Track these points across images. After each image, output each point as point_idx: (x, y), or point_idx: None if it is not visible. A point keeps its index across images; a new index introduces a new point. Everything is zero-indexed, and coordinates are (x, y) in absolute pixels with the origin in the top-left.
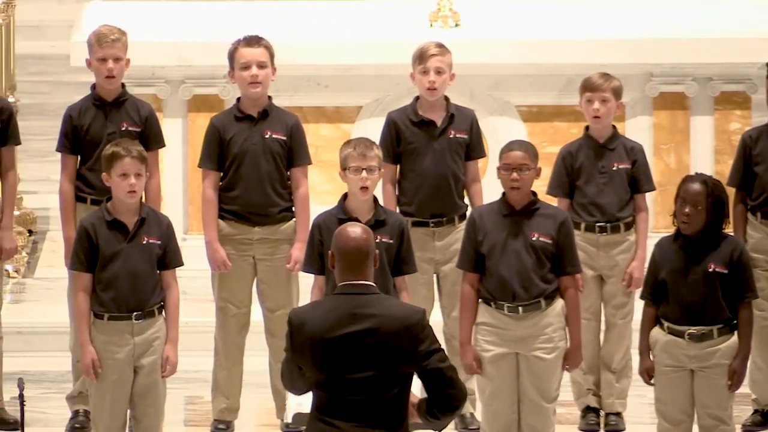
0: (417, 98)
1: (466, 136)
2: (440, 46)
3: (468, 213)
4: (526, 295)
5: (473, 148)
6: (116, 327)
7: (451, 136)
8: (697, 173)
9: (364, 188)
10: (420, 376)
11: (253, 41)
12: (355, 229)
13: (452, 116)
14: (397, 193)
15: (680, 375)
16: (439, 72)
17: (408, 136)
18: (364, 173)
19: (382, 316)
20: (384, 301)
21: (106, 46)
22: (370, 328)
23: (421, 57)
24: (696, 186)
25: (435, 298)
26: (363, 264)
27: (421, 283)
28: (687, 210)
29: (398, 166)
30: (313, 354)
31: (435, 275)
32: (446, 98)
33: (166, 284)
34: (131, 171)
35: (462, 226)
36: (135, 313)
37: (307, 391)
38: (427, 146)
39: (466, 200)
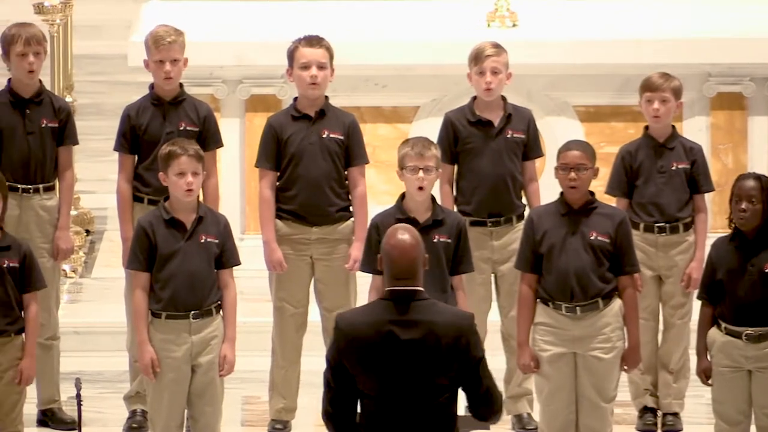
0: (474, 98)
1: (523, 136)
2: (496, 46)
3: (526, 213)
4: (584, 294)
5: (530, 148)
6: (174, 326)
7: (508, 136)
8: (751, 172)
9: (421, 188)
10: (461, 386)
11: (314, 41)
12: (403, 235)
13: (509, 116)
14: (454, 193)
15: (738, 375)
16: (495, 72)
17: (465, 136)
18: (421, 173)
19: (431, 322)
20: (433, 306)
21: (163, 48)
22: (421, 335)
23: (477, 57)
24: (750, 182)
25: (492, 297)
26: (412, 269)
27: (478, 282)
28: (743, 206)
29: (455, 166)
30: (364, 360)
31: (492, 275)
32: (503, 98)
33: (223, 283)
34: (188, 169)
35: (520, 226)
36: (192, 312)
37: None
38: (484, 146)
39: (524, 200)
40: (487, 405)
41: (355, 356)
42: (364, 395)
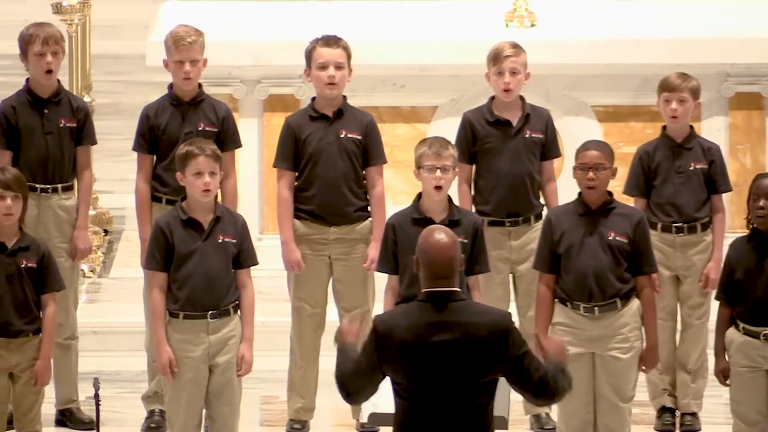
0: (492, 98)
1: (541, 136)
2: (515, 46)
3: (544, 213)
4: (602, 294)
5: (549, 148)
6: (191, 326)
7: (526, 135)
8: None
9: (438, 187)
10: (509, 381)
11: (331, 41)
12: (440, 236)
13: (528, 116)
14: (472, 192)
15: (756, 375)
16: (514, 73)
17: (483, 136)
18: (438, 172)
19: (469, 323)
20: (471, 307)
21: (183, 48)
22: (459, 336)
23: (495, 58)
24: None
25: (511, 297)
26: (449, 269)
27: (496, 282)
28: (761, 203)
29: (474, 166)
30: (403, 362)
31: (511, 275)
32: (522, 98)
33: (241, 283)
34: (205, 169)
35: (538, 226)
36: (210, 312)
37: (366, 400)
38: (502, 146)
39: (542, 200)
40: (545, 393)
41: (393, 358)
42: (400, 396)
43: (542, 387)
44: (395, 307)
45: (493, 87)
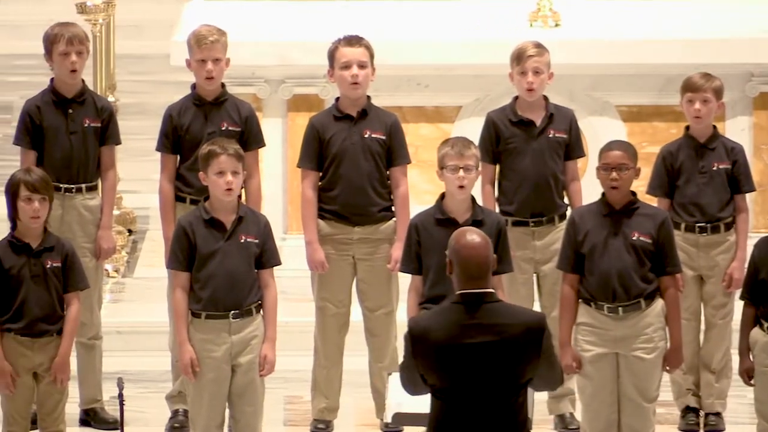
0: (516, 98)
1: (565, 136)
2: (538, 45)
3: (568, 213)
4: (626, 295)
5: (572, 148)
6: (213, 325)
7: (550, 135)
8: None
9: (461, 187)
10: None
11: (353, 41)
12: (473, 237)
13: (551, 116)
14: (496, 193)
15: None
16: (537, 72)
17: (507, 136)
18: (461, 172)
19: (503, 324)
20: (504, 308)
21: (206, 47)
22: (494, 338)
23: (519, 58)
24: None
25: (535, 297)
26: (482, 270)
27: (520, 282)
28: None
29: (497, 166)
30: (438, 364)
31: (535, 275)
32: (545, 98)
33: (263, 283)
34: (228, 169)
35: (562, 226)
36: (232, 312)
37: (428, 392)
38: (526, 146)
39: (566, 200)
40: (553, 378)
41: (428, 360)
42: (435, 396)
43: (553, 375)
44: (430, 309)
45: (516, 87)
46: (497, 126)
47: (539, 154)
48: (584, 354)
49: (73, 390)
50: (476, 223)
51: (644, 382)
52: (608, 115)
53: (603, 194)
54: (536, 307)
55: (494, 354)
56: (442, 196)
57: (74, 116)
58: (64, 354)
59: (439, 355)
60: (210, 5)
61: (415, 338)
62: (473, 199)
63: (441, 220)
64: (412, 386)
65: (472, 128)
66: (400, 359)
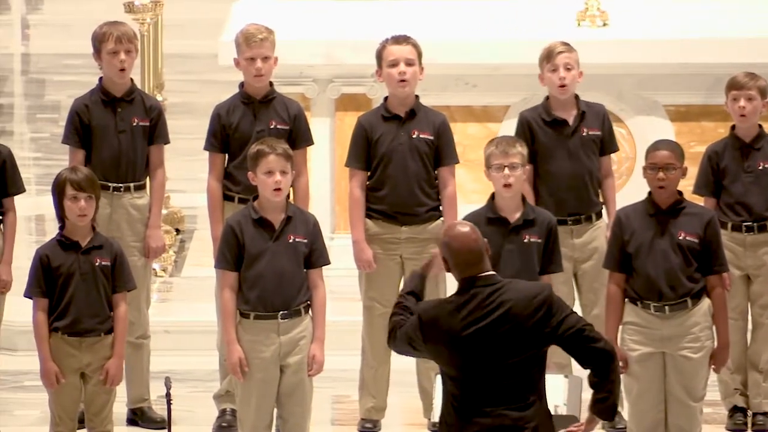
0: (547, 98)
1: (598, 133)
2: (566, 44)
3: (604, 210)
4: (672, 294)
5: (606, 144)
6: (262, 326)
7: (583, 134)
8: None
9: (507, 185)
10: (563, 347)
11: (401, 39)
12: (459, 227)
13: (583, 114)
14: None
15: None
16: (568, 68)
17: (541, 135)
18: (506, 170)
19: (512, 300)
20: (509, 285)
21: (254, 45)
22: (503, 316)
23: (548, 56)
24: None
25: (575, 296)
26: (477, 255)
27: (561, 281)
28: None
29: (532, 166)
30: (451, 352)
31: (573, 273)
32: (576, 96)
33: (312, 283)
34: (276, 168)
35: (599, 224)
36: (281, 312)
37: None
38: (560, 145)
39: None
40: (596, 351)
41: (439, 345)
42: (449, 378)
43: (593, 339)
44: (437, 298)
45: (548, 85)
46: (531, 126)
47: (574, 154)
48: (631, 353)
49: (121, 389)
50: (528, 222)
51: (691, 382)
52: (656, 114)
53: (649, 193)
54: (576, 307)
55: (507, 331)
56: (493, 195)
57: (123, 115)
58: (119, 355)
59: (450, 340)
60: (258, 4)
61: (424, 324)
62: (524, 198)
63: (492, 219)
64: (399, 348)
65: None
66: None
